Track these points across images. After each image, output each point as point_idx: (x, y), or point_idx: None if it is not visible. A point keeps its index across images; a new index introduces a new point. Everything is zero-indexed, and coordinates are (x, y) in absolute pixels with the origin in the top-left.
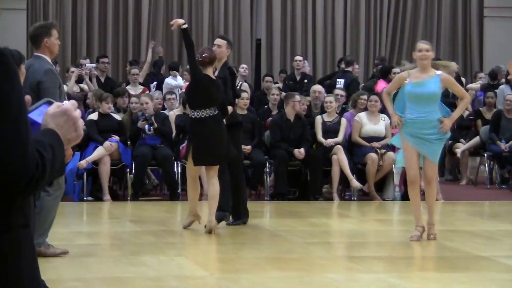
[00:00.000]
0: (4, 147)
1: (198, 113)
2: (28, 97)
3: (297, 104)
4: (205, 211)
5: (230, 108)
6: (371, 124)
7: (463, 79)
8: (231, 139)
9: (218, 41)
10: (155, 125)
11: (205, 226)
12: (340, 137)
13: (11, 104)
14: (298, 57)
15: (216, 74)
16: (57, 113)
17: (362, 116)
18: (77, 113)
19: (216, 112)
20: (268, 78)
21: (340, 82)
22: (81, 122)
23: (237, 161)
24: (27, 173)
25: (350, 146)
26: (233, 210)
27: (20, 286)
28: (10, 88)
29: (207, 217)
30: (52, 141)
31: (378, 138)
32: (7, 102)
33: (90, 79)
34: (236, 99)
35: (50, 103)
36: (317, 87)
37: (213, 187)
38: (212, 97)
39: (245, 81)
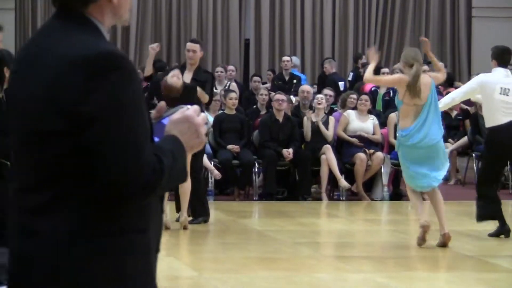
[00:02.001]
0: (118, 150)
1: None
2: (162, 104)
3: (282, 103)
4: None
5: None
6: (359, 121)
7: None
8: None
9: (192, 46)
10: None
11: (177, 220)
12: (331, 132)
13: (127, 108)
14: (286, 57)
15: (191, 76)
16: (179, 120)
17: (351, 113)
18: (200, 119)
19: None
20: (256, 78)
21: (350, 75)
22: (203, 129)
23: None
24: (140, 176)
25: (339, 146)
26: (191, 209)
27: (121, 286)
28: (126, 91)
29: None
30: (173, 147)
31: (365, 137)
32: (123, 105)
33: None
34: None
35: (173, 113)
36: (306, 87)
37: (185, 184)
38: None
39: (235, 81)
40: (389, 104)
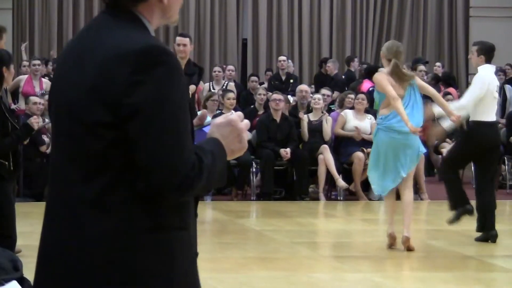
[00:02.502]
0: (160, 144)
1: None
2: (204, 112)
3: (279, 103)
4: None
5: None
6: (356, 121)
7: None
8: None
9: (182, 40)
10: None
11: None
12: (328, 131)
13: (171, 103)
14: (282, 57)
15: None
16: (222, 123)
17: (348, 112)
18: (243, 124)
19: None
20: (253, 78)
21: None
22: (246, 134)
23: None
24: (180, 172)
25: (336, 146)
26: None
27: (170, 285)
28: (171, 87)
29: None
30: (214, 149)
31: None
32: (167, 101)
33: None
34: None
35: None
36: (304, 87)
37: None
38: None
39: (234, 81)
40: None
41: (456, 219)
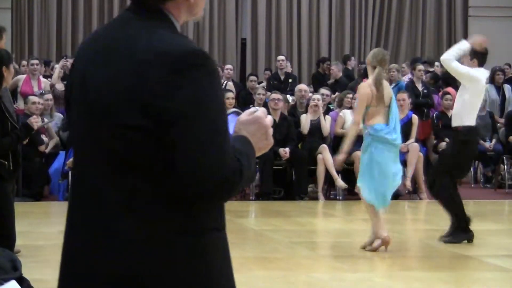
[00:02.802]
0: (202, 148)
1: None
2: None
3: (278, 103)
4: None
5: None
6: None
7: None
8: None
9: None
10: None
11: None
12: (327, 127)
13: (211, 106)
14: (281, 57)
15: None
16: (249, 121)
17: (347, 112)
18: (268, 121)
19: None
20: (252, 78)
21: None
22: (271, 130)
23: None
24: (222, 175)
25: (336, 145)
26: None
27: (209, 286)
28: (210, 90)
29: None
30: (247, 149)
31: (362, 136)
32: (208, 103)
33: None
34: None
35: (237, 113)
36: (303, 86)
37: None
38: None
39: (233, 80)
40: None
41: (456, 242)
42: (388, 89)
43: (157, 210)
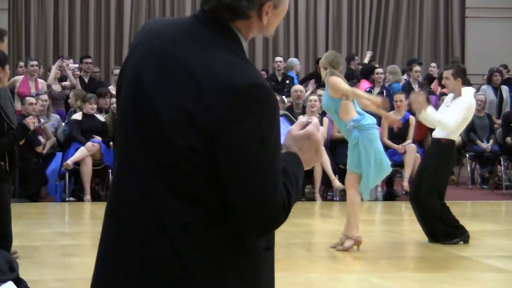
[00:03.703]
0: (256, 187)
1: None
2: None
3: None
4: None
5: None
6: None
7: None
8: None
9: None
10: None
11: None
12: (325, 132)
13: (268, 143)
14: (278, 58)
15: None
16: (302, 137)
17: None
18: (320, 135)
19: None
20: None
21: None
22: (322, 147)
23: None
24: (274, 215)
25: (333, 146)
26: None
27: None
28: (270, 127)
29: None
30: (296, 169)
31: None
32: (265, 140)
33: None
34: None
35: (287, 117)
36: (299, 87)
37: None
38: None
39: None
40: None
41: (453, 243)
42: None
43: (211, 232)
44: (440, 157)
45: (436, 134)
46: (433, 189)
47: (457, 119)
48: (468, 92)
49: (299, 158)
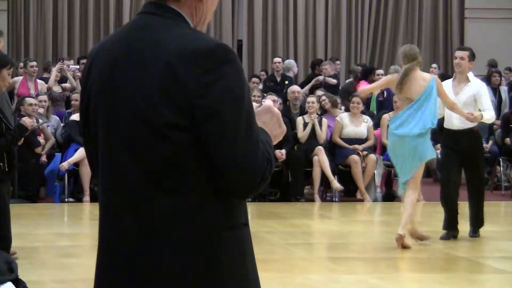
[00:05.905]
0: (239, 145)
1: None
2: None
3: (274, 104)
4: None
5: None
6: (353, 125)
7: None
8: None
9: None
10: None
11: None
12: (324, 134)
13: (242, 100)
14: (277, 59)
15: None
16: (261, 111)
17: (344, 116)
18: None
19: None
20: (254, 80)
21: None
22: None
23: None
24: (258, 172)
25: (331, 147)
26: None
27: (246, 280)
28: (241, 85)
29: None
30: (267, 138)
31: (359, 140)
32: (239, 97)
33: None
34: None
35: None
36: (296, 88)
37: None
38: None
39: None
40: (383, 105)
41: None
42: (417, 81)
43: (196, 210)
44: (480, 144)
45: (462, 124)
46: (481, 171)
47: (490, 105)
48: (474, 77)
49: (266, 130)
